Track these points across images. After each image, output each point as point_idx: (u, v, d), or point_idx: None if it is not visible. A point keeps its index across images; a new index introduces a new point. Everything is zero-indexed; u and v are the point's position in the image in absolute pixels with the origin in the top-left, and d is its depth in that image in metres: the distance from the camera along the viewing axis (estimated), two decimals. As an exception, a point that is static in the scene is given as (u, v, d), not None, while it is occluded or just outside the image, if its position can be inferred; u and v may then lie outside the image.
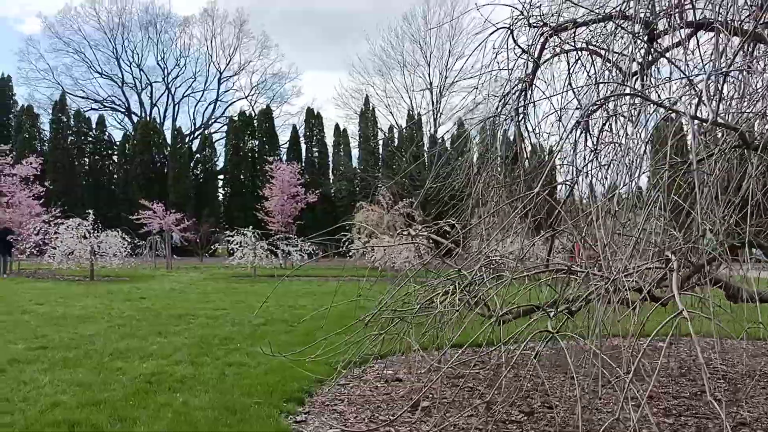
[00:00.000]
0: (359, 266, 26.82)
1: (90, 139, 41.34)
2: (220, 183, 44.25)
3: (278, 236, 20.96)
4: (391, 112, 45.75)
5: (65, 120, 40.25)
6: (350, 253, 25.02)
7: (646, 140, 4.28)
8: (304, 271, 23.29)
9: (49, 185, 22.57)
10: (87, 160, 40.71)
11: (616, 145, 4.49)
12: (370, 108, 43.12)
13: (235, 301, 12.41)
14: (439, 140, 40.47)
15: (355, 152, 43.43)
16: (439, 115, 40.53)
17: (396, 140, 42.86)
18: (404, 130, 42.31)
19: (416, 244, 19.05)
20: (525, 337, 3.84)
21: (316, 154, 42.83)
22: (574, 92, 5.10)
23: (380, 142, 42.91)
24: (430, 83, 41.00)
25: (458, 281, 4.58)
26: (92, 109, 49.54)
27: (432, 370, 6.42)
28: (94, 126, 41.98)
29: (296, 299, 13.00)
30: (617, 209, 3.82)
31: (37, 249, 18.42)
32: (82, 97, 50.91)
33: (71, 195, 35.54)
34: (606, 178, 4.61)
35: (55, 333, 8.01)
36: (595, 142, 4.46)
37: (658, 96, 4.52)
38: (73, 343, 7.34)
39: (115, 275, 19.48)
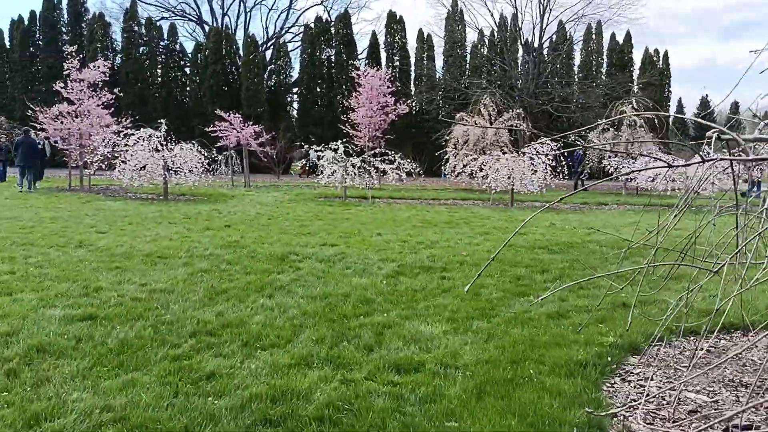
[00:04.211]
0: (452, 186, 23.83)
1: (161, 49, 39.13)
2: (295, 96, 41.44)
3: (373, 152, 18.00)
4: (490, 12, 40.10)
5: (136, 29, 38.10)
6: (446, 173, 22.08)
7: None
8: (397, 191, 20.51)
9: (119, 93, 20.22)
10: (159, 70, 38.71)
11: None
12: (458, 10, 38.35)
13: (343, 233, 9.66)
14: (546, 42, 35.64)
15: (439, 62, 39.21)
16: (547, 11, 34.75)
17: (487, 46, 38.25)
18: (496, 34, 37.50)
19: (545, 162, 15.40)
20: None
21: (398, 62, 38.93)
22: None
23: (468, 48, 38.36)
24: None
25: None
26: (162, 18, 46.95)
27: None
28: (165, 35, 39.62)
29: (418, 231, 10.16)
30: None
31: (106, 163, 16.31)
32: (153, 5, 48.33)
33: (144, 107, 33.87)
34: None
35: (113, 285, 5.48)
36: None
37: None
38: (138, 307, 4.77)
39: (191, 194, 17.33)
